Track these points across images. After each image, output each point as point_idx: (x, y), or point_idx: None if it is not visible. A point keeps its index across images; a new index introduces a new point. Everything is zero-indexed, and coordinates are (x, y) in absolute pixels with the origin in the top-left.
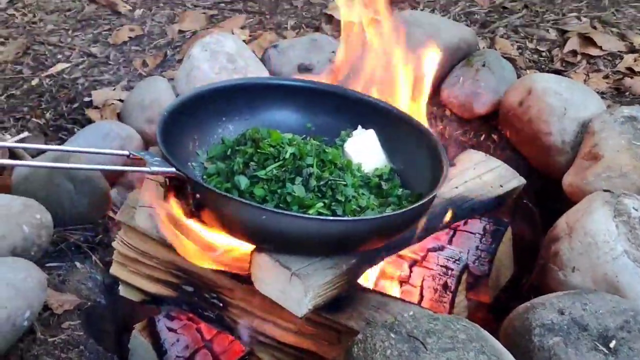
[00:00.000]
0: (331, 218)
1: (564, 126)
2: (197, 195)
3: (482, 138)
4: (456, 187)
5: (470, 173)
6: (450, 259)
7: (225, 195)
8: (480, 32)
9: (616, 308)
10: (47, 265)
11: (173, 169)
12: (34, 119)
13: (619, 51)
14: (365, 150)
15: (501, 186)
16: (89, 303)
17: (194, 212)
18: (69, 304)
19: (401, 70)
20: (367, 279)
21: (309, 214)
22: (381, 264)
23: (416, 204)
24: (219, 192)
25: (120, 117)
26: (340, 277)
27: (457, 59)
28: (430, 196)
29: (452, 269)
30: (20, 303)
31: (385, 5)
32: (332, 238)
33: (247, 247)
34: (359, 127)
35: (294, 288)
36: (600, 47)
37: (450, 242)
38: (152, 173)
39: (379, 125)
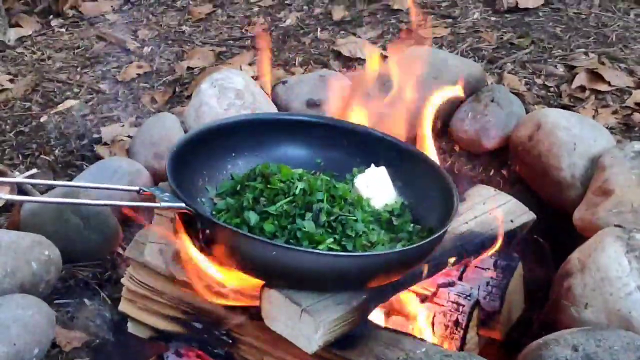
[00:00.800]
0: (341, 253)
1: (573, 161)
2: (207, 231)
3: (491, 173)
4: (466, 223)
5: (480, 208)
6: (461, 295)
7: (235, 230)
8: (488, 68)
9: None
10: (56, 301)
11: (183, 204)
12: (42, 156)
13: (627, 86)
14: (376, 186)
15: (512, 221)
16: (98, 340)
17: (204, 247)
18: (77, 341)
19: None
20: (378, 315)
21: (319, 249)
22: (392, 300)
23: (426, 240)
24: (229, 227)
25: (129, 153)
26: (351, 313)
27: (465, 95)
28: (441, 232)
29: (463, 305)
30: (29, 340)
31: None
32: (343, 273)
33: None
34: (372, 165)
35: (304, 324)
36: (609, 83)
37: (460, 277)
38: (162, 208)
39: (389, 161)
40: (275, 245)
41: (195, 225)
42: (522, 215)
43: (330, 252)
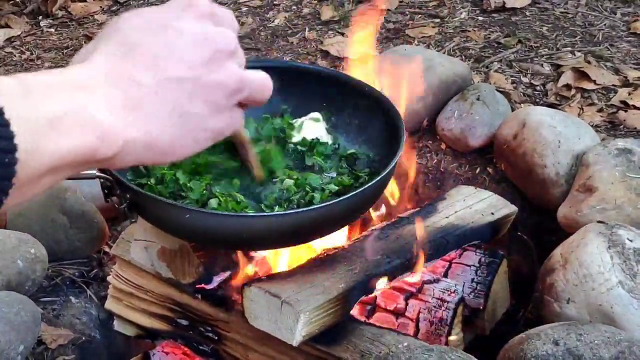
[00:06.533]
0: (241, 214)
1: (558, 159)
2: (128, 196)
3: (477, 171)
4: (447, 217)
5: (461, 204)
6: (446, 292)
7: (147, 194)
8: (475, 67)
9: (611, 339)
10: (42, 299)
11: (94, 172)
12: None
13: (613, 85)
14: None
15: (492, 213)
16: (84, 338)
17: (127, 213)
18: (63, 338)
19: None
20: (362, 311)
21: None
22: (376, 296)
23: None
24: (140, 190)
25: None
26: (332, 302)
27: (451, 93)
28: (355, 192)
29: (448, 302)
30: (14, 337)
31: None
32: (258, 234)
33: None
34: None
35: (285, 316)
36: (594, 81)
37: (445, 274)
38: (73, 178)
39: (351, 104)
40: (188, 209)
41: (115, 190)
42: (503, 207)
43: (234, 214)
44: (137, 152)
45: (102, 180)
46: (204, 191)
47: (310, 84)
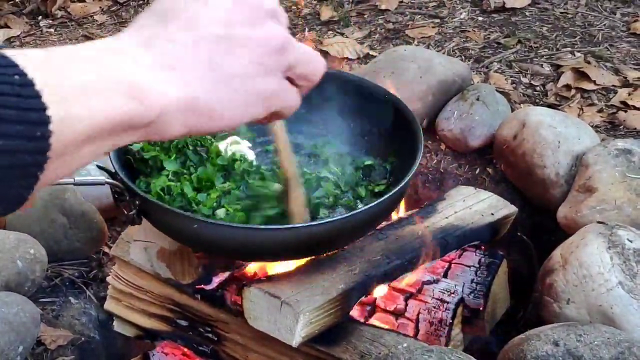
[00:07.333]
0: (250, 226)
1: (558, 159)
2: (137, 202)
3: (477, 171)
4: (446, 218)
5: (460, 204)
6: (446, 292)
7: (155, 202)
8: (475, 67)
9: (611, 339)
10: (41, 300)
11: (102, 178)
12: None
13: (612, 85)
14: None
15: (492, 214)
16: (83, 338)
17: (136, 219)
18: (62, 339)
19: None
20: (362, 312)
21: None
22: (375, 296)
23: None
24: (149, 198)
25: None
26: (331, 302)
27: (451, 94)
28: (351, 213)
29: (448, 302)
30: (13, 338)
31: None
32: (263, 246)
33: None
34: None
35: (285, 316)
36: (594, 82)
37: (445, 275)
38: (77, 184)
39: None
40: (196, 219)
41: (125, 196)
42: (503, 208)
43: (244, 225)
44: (182, 116)
45: (111, 186)
46: (214, 204)
47: (331, 88)
